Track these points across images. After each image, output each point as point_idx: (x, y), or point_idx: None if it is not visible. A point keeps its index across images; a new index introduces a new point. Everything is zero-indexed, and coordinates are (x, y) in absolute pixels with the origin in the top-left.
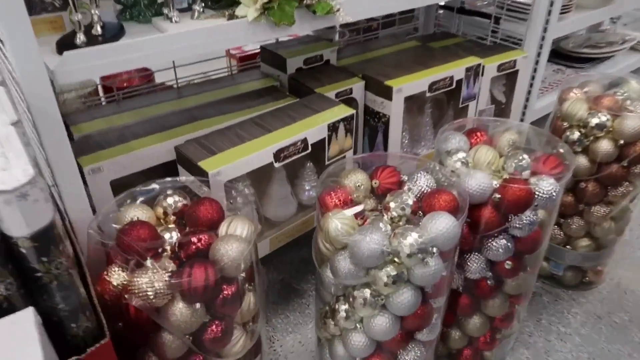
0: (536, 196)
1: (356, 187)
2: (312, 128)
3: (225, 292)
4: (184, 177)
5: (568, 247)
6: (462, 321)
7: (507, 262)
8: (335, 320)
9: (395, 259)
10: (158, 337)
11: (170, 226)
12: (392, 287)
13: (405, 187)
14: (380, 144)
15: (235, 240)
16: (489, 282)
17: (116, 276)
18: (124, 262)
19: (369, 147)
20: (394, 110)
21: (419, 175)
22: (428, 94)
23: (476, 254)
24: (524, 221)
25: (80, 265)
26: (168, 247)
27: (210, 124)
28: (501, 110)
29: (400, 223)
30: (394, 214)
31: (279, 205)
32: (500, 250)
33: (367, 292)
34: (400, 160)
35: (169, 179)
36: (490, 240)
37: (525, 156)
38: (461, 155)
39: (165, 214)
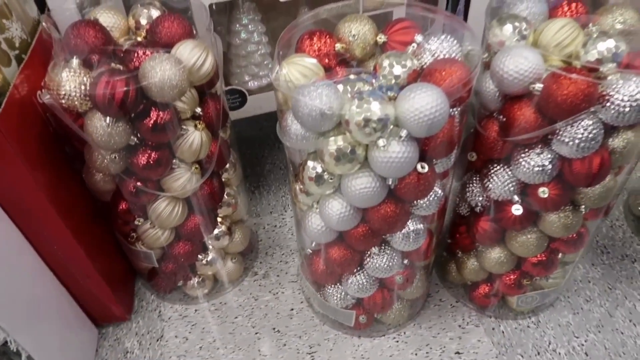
0: (609, 101)
1: (350, 37)
2: None
3: (154, 117)
4: None
5: None
6: (480, 250)
7: (543, 188)
8: (294, 195)
9: (347, 131)
10: (88, 150)
11: (138, 39)
12: (339, 165)
13: (410, 48)
14: (460, 14)
15: (168, 61)
16: (514, 209)
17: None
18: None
19: None
20: None
21: (439, 38)
22: None
23: (505, 167)
24: (578, 135)
25: None
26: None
27: None
28: None
29: (388, 94)
30: (382, 79)
31: None
32: (531, 168)
33: (318, 167)
34: (471, 39)
35: None
36: (522, 151)
37: (622, 44)
38: (520, 25)
39: (138, 26)
